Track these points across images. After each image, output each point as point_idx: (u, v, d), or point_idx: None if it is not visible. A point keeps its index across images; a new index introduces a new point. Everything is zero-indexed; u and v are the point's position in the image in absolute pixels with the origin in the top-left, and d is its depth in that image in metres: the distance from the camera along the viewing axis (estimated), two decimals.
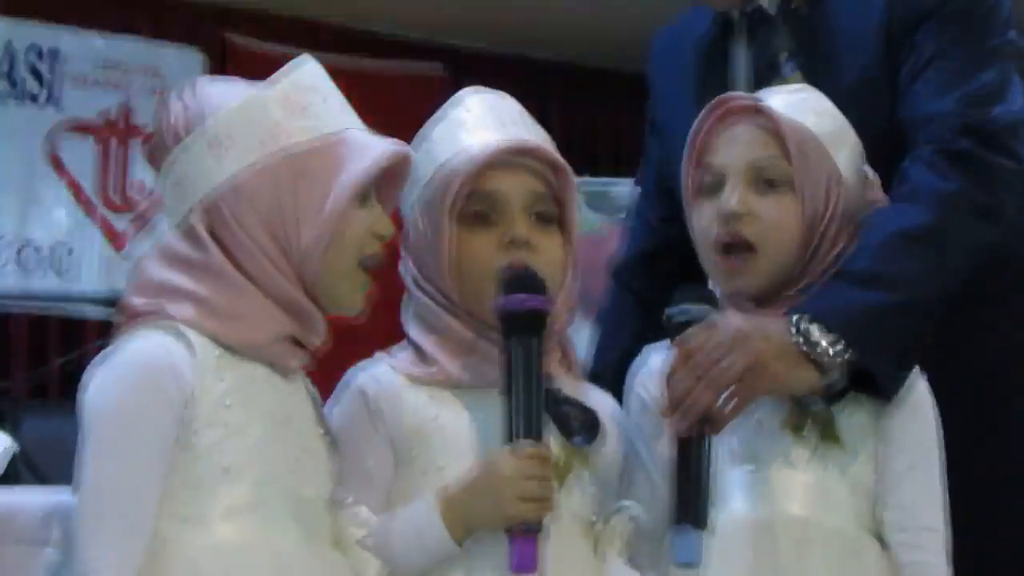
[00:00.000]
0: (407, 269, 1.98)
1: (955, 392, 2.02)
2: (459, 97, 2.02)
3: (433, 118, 2.01)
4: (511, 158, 1.94)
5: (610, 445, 1.97)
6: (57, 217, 6.96)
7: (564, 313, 1.96)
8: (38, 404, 5.79)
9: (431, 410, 1.90)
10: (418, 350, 1.95)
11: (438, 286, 1.94)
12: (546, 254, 1.93)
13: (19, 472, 3.68)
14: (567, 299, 1.97)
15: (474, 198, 1.92)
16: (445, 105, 2.02)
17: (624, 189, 7.08)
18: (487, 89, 2.05)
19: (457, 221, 1.92)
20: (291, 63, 1.88)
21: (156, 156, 1.86)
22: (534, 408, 1.81)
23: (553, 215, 1.96)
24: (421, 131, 2.00)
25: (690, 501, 1.85)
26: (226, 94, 1.84)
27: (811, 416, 1.93)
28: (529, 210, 1.94)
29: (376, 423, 1.90)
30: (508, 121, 1.98)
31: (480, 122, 1.96)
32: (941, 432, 1.98)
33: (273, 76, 1.86)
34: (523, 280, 1.86)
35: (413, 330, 1.97)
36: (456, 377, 1.91)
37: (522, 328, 1.84)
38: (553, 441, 1.87)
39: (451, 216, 1.92)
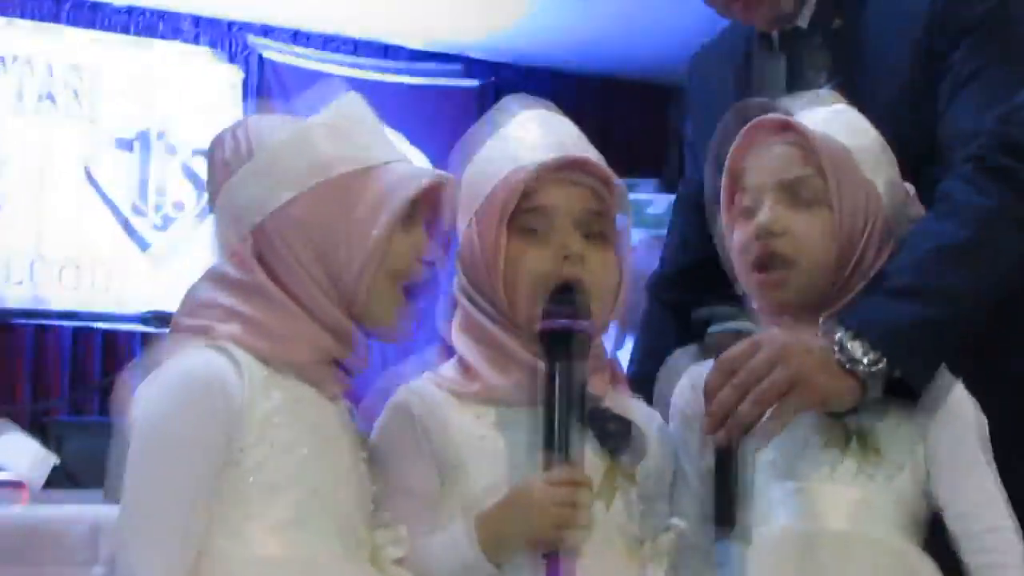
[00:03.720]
0: (459, 282, 2.00)
1: (995, 405, 2.02)
2: (514, 114, 2.04)
3: (491, 135, 2.03)
4: (566, 174, 1.95)
5: (657, 461, 1.98)
6: (95, 234, 7.00)
7: (614, 327, 1.97)
8: (78, 419, 5.83)
9: (478, 429, 1.91)
10: (465, 365, 1.96)
11: (491, 299, 1.95)
12: (597, 270, 1.94)
13: (63, 488, 3.71)
14: (618, 316, 1.98)
15: (528, 212, 1.94)
16: (500, 122, 2.03)
17: (661, 203, 7.12)
18: (542, 106, 2.06)
19: (511, 234, 1.94)
20: (337, 98, 1.93)
21: (211, 191, 1.92)
22: (573, 431, 1.82)
23: (606, 232, 1.97)
24: (479, 148, 2.02)
25: (732, 515, 1.86)
26: (275, 127, 1.90)
27: (853, 431, 1.94)
28: (582, 226, 1.95)
29: (421, 443, 1.91)
30: (565, 138, 2.00)
31: (539, 140, 1.98)
32: (984, 424, 1.98)
33: (320, 110, 1.91)
34: (566, 303, 1.87)
35: (461, 344, 1.98)
36: (503, 394, 1.92)
37: (563, 351, 1.84)
38: (600, 460, 1.89)
39: (506, 229, 1.93)
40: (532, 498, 1.79)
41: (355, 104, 1.94)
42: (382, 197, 1.85)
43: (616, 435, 1.91)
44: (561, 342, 1.85)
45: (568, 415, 1.82)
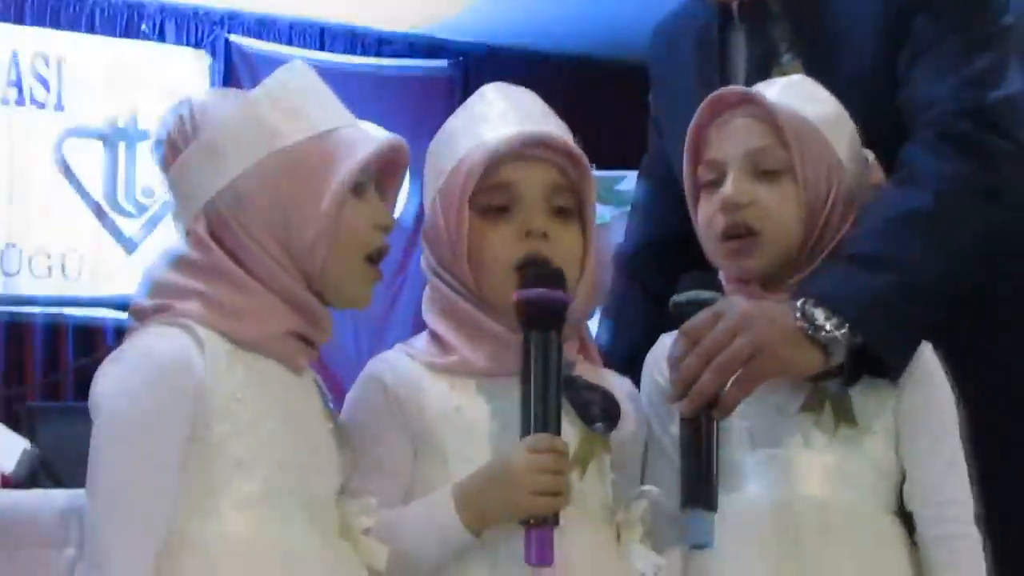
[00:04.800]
0: (426, 260, 2.01)
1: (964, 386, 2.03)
2: (481, 92, 2.04)
3: (456, 112, 2.04)
4: (530, 150, 1.95)
5: (631, 430, 1.99)
6: (67, 223, 6.99)
7: (584, 304, 1.97)
8: (52, 407, 5.81)
9: (453, 400, 1.91)
10: (438, 339, 1.97)
11: (457, 276, 1.95)
12: (563, 245, 1.95)
13: (36, 474, 3.70)
14: (586, 290, 1.98)
15: (493, 189, 1.94)
16: (468, 100, 2.04)
17: (631, 181, 7.11)
18: (509, 85, 2.06)
19: (476, 212, 1.94)
20: (281, 67, 1.92)
21: (162, 171, 1.91)
22: (551, 401, 1.83)
23: (571, 207, 1.98)
24: (444, 125, 2.03)
25: (700, 484, 1.87)
26: (220, 103, 1.89)
27: (828, 398, 1.96)
28: (547, 202, 1.95)
29: (394, 413, 1.92)
30: (530, 115, 2.00)
31: (502, 116, 1.98)
32: (953, 398, 1.99)
33: (264, 81, 1.90)
34: (542, 274, 1.88)
35: (432, 319, 1.98)
36: (477, 365, 1.92)
37: (540, 321, 1.86)
38: (574, 428, 1.90)
39: (470, 207, 1.93)
40: (512, 467, 1.80)
41: (299, 73, 1.92)
42: (331, 167, 1.84)
43: (590, 404, 1.92)
44: (537, 312, 1.86)
45: (545, 385, 1.83)
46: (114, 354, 1.80)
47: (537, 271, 1.89)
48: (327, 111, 1.90)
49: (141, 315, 1.82)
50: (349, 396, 1.98)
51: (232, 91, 1.93)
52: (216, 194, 1.83)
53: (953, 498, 1.95)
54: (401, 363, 1.96)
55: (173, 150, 1.88)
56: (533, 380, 1.83)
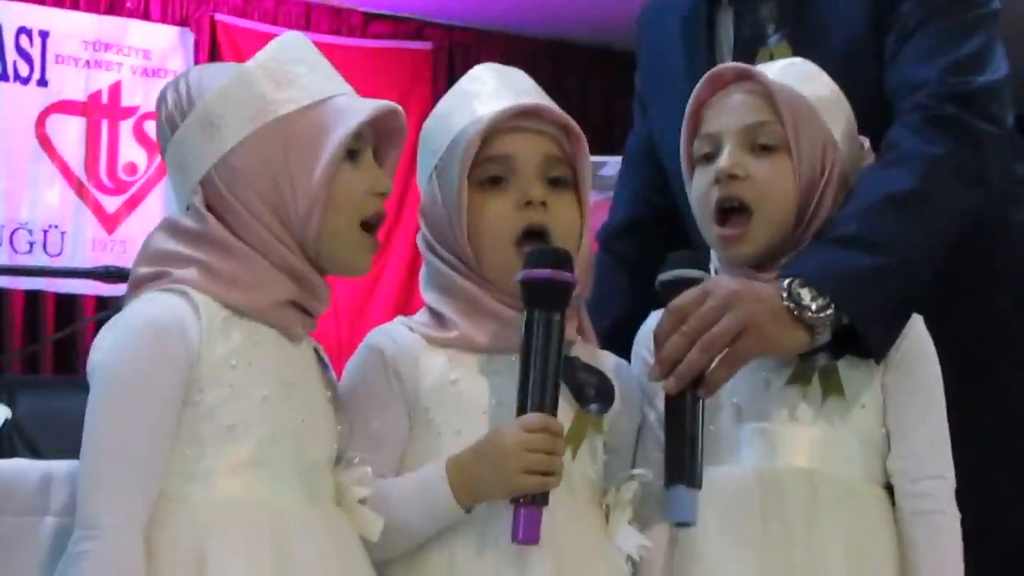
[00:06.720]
0: (423, 237, 2.01)
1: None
2: (473, 71, 2.05)
3: (448, 92, 2.05)
4: (524, 122, 1.97)
5: (625, 412, 2.00)
6: (48, 199, 6.95)
7: (581, 279, 1.97)
8: (32, 379, 5.79)
9: (450, 373, 1.92)
10: (437, 315, 1.97)
11: (456, 252, 1.96)
12: (561, 216, 1.96)
13: (14, 445, 3.69)
14: (584, 265, 1.99)
15: (489, 162, 1.95)
16: (459, 80, 2.05)
17: (615, 166, 7.10)
18: (499, 64, 2.08)
19: (472, 185, 1.95)
20: (276, 38, 1.92)
21: (161, 146, 1.92)
22: (550, 381, 1.83)
23: (567, 178, 1.99)
24: (436, 105, 2.04)
25: (684, 461, 1.87)
26: (215, 76, 1.89)
27: (817, 371, 1.96)
28: (543, 173, 1.96)
29: (392, 384, 1.93)
30: (522, 90, 2.01)
31: (495, 92, 1.99)
32: (940, 376, 2.01)
33: (259, 52, 1.90)
34: (549, 254, 1.88)
35: (431, 296, 1.99)
36: (477, 341, 1.93)
37: (545, 302, 1.86)
38: (567, 407, 1.90)
39: (467, 181, 1.94)
40: (505, 444, 1.81)
41: (294, 43, 1.92)
42: (324, 135, 1.84)
43: (586, 385, 1.94)
44: (542, 293, 1.87)
45: (545, 365, 1.84)
46: (112, 320, 1.81)
47: (544, 251, 1.90)
48: (321, 80, 1.89)
49: (138, 283, 1.83)
50: (349, 365, 1.99)
51: (228, 63, 1.93)
52: (212, 166, 1.84)
53: (934, 474, 1.97)
54: (401, 334, 1.97)
55: (171, 124, 1.88)
56: (533, 360, 1.84)
